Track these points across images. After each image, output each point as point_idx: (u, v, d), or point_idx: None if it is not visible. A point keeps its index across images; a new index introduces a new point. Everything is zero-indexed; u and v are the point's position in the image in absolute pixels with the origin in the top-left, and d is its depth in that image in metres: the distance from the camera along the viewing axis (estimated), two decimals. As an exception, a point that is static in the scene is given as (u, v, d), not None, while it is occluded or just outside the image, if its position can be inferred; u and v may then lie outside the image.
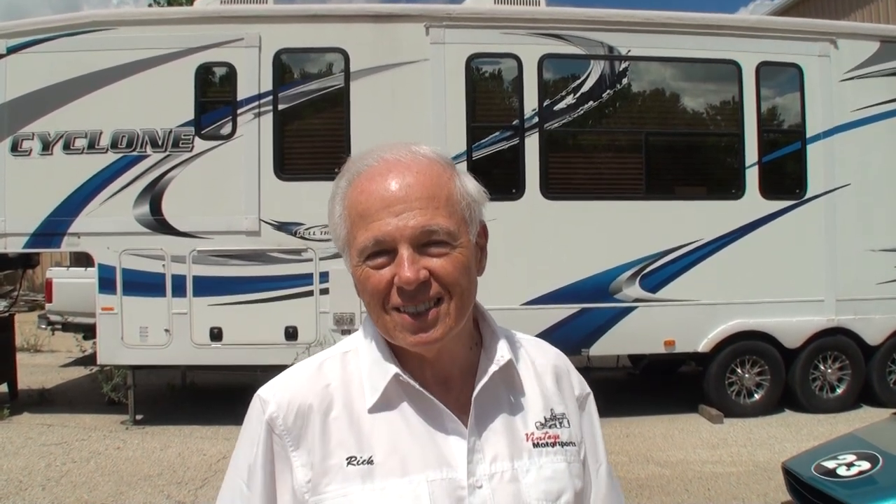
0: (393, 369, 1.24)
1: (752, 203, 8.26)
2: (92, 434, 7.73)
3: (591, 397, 1.45)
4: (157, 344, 7.76)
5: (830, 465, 4.69)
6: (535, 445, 1.28)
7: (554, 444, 1.30)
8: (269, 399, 1.25)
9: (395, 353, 1.27)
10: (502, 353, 1.31)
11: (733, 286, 8.18)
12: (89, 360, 9.60)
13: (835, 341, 8.42)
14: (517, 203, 7.90)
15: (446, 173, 1.23)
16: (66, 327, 11.32)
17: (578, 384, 1.43)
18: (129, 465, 6.77)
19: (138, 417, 8.18)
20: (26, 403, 8.96)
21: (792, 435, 7.60)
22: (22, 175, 7.77)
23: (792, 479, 4.96)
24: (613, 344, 8.20)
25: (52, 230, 7.79)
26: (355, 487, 1.19)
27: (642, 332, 8.12)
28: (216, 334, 7.71)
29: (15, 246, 7.98)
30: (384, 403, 1.24)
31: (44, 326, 11.77)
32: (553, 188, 8.02)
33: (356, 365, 1.29)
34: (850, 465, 4.60)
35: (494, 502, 1.21)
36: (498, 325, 1.37)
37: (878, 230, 8.48)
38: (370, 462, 1.20)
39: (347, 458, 1.20)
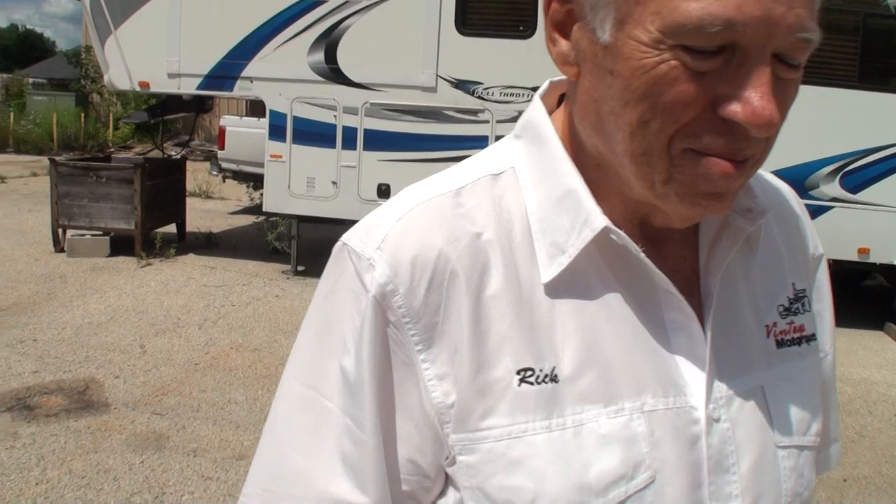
0: (600, 219, 0.68)
1: None
2: (253, 280, 7.76)
3: (825, 259, 0.90)
4: (323, 196, 7.61)
5: None
6: (779, 345, 0.77)
7: (800, 342, 0.78)
8: (373, 256, 0.69)
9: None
10: (757, 200, 0.74)
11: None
12: (257, 209, 9.68)
13: None
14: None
15: None
16: (237, 176, 11.50)
17: (811, 238, 0.88)
18: (286, 314, 6.70)
19: (300, 268, 8.14)
20: (193, 245, 9.15)
21: None
22: (199, 15, 7.61)
23: None
24: (802, 244, 7.49)
25: (225, 73, 7.66)
26: (536, 425, 0.66)
27: (836, 235, 7.23)
28: (384, 191, 7.45)
29: (188, 87, 7.94)
30: (572, 276, 0.69)
31: (215, 173, 11.99)
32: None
33: (517, 199, 0.73)
34: None
35: (735, 442, 0.70)
36: None
37: None
38: (554, 379, 0.67)
39: (520, 372, 0.67)
